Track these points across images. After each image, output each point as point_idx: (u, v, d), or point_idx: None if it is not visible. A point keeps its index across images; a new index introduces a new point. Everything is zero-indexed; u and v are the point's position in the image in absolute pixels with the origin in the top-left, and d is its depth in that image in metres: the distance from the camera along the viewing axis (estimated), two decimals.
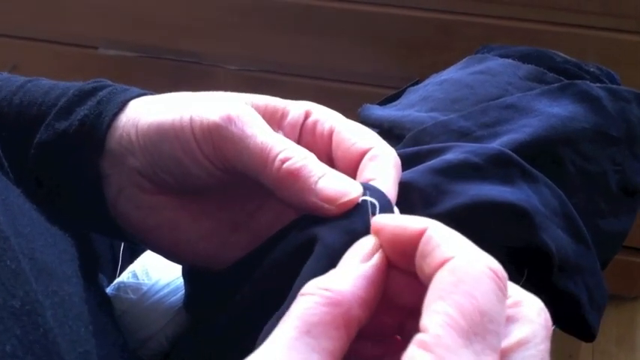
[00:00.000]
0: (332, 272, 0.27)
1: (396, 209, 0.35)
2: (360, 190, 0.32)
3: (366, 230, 0.30)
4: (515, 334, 0.24)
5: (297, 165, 0.33)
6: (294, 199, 0.33)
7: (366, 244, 0.28)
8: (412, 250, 0.26)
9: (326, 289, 0.25)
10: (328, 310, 0.25)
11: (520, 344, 0.24)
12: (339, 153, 0.36)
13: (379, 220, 0.28)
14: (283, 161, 0.33)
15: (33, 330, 0.28)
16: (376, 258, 0.27)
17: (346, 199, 0.32)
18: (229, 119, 0.35)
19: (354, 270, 0.26)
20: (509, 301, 0.25)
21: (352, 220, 0.31)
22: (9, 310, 0.28)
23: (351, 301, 0.25)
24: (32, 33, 1.12)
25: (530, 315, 0.25)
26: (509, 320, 0.24)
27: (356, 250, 0.28)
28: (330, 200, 0.32)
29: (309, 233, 0.32)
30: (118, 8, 1.05)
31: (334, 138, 0.37)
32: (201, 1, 1.01)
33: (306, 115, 0.38)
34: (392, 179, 0.34)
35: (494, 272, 0.24)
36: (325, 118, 0.38)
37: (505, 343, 0.24)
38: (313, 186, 0.33)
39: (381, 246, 0.28)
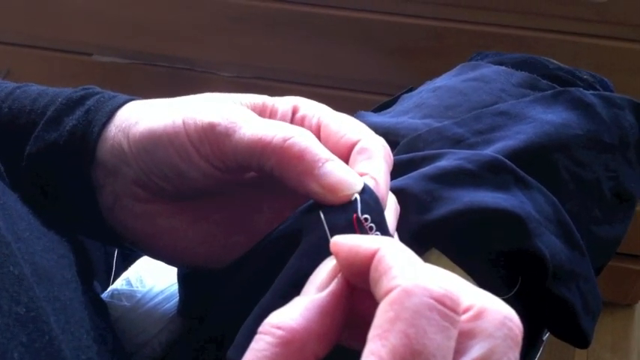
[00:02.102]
0: (287, 306, 0.26)
1: (391, 199, 0.34)
2: (362, 183, 0.32)
3: (348, 229, 0.30)
4: (473, 352, 0.24)
5: (302, 145, 0.33)
6: (295, 182, 0.33)
7: (324, 269, 0.28)
8: (367, 272, 0.26)
9: (278, 327, 0.25)
10: (280, 351, 0.24)
11: None
12: (328, 146, 0.35)
13: (336, 240, 0.27)
14: (285, 139, 0.33)
15: (39, 337, 0.28)
16: (333, 285, 0.27)
17: (350, 192, 0.31)
18: (221, 116, 0.34)
19: (308, 302, 0.26)
20: (469, 314, 0.24)
21: (336, 217, 0.31)
22: (14, 317, 0.28)
23: (304, 337, 0.25)
24: (26, 39, 1.12)
25: (488, 329, 0.24)
26: (468, 336, 0.24)
27: (315, 276, 0.28)
28: (333, 190, 0.32)
29: (294, 228, 0.32)
30: (112, 15, 1.05)
31: (322, 132, 0.36)
32: (195, 8, 1.01)
33: (294, 111, 0.38)
34: (383, 173, 0.34)
35: (438, 300, 0.23)
36: (313, 112, 0.37)
37: None
38: (317, 171, 0.32)
39: (340, 269, 0.27)
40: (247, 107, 0.37)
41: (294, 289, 0.28)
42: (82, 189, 0.37)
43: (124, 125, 0.37)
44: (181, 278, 0.43)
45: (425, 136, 0.49)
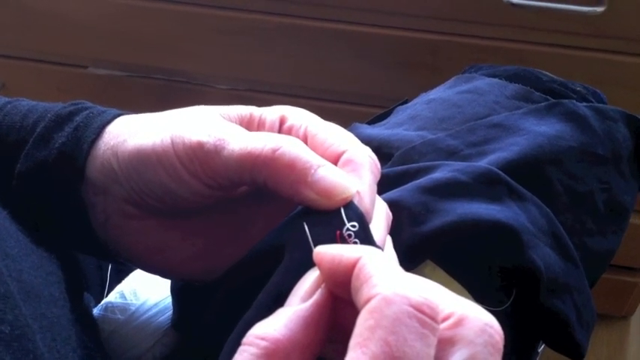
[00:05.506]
0: (270, 317, 0.26)
1: (382, 208, 0.34)
2: (356, 185, 0.32)
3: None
4: (454, 359, 0.24)
5: (293, 154, 0.32)
6: (289, 191, 0.32)
7: (308, 280, 0.28)
8: (350, 281, 0.26)
9: (262, 339, 0.25)
10: None
11: None
12: None
13: (319, 250, 0.27)
14: (274, 149, 0.33)
15: (23, 356, 0.28)
16: (317, 295, 0.27)
17: (345, 195, 0.31)
18: (208, 134, 0.34)
19: (291, 313, 0.26)
20: (449, 322, 0.24)
21: (320, 234, 0.31)
22: None
23: (288, 348, 0.25)
24: (21, 52, 1.12)
25: (469, 336, 0.24)
26: (448, 343, 0.24)
27: (298, 287, 0.28)
28: (328, 195, 0.31)
29: (278, 242, 0.32)
30: (107, 28, 1.05)
31: (309, 142, 0.36)
32: (191, 21, 1.01)
33: (281, 121, 0.38)
34: (367, 186, 0.33)
35: (417, 308, 0.23)
36: (300, 122, 0.37)
37: None
38: (310, 178, 0.32)
39: (323, 280, 0.27)
40: (235, 119, 0.37)
41: (277, 302, 0.28)
42: (73, 207, 0.37)
43: (112, 143, 0.36)
44: (175, 291, 0.43)
45: (419, 148, 0.50)
